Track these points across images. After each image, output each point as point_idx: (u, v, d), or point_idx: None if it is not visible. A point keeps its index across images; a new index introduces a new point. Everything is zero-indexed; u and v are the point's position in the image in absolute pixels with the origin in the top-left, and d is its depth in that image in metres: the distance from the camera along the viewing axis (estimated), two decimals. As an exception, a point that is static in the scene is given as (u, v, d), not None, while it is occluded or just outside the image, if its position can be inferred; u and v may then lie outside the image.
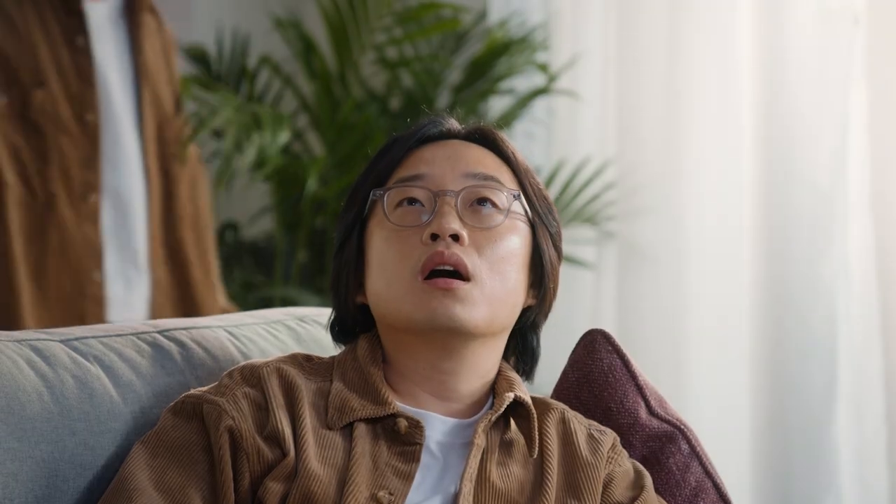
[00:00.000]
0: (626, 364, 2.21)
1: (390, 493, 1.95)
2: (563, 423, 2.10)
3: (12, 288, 3.20)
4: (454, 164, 2.07)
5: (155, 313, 3.40)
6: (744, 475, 3.63)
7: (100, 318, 3.28)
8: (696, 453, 2.18)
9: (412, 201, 2.01)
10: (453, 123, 2.15)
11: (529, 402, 2.07)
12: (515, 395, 2.04)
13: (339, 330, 2.14)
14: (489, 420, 2.03)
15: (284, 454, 1.95)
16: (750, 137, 3.81)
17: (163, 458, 1.99)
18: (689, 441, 2.18)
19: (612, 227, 3.80)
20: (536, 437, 2.07)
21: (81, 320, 3.18)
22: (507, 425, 2.06)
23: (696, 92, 3.90)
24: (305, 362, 2.11)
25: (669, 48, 3.96)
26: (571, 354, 2.27)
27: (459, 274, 1.98)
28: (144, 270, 3.38)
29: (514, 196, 2.06)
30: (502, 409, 2.03)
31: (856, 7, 3.83)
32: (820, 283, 3.71)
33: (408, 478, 1.98)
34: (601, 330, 2.25)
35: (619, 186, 3.84)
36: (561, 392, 2.24)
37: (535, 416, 2.07)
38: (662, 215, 3.81)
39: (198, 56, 4.11)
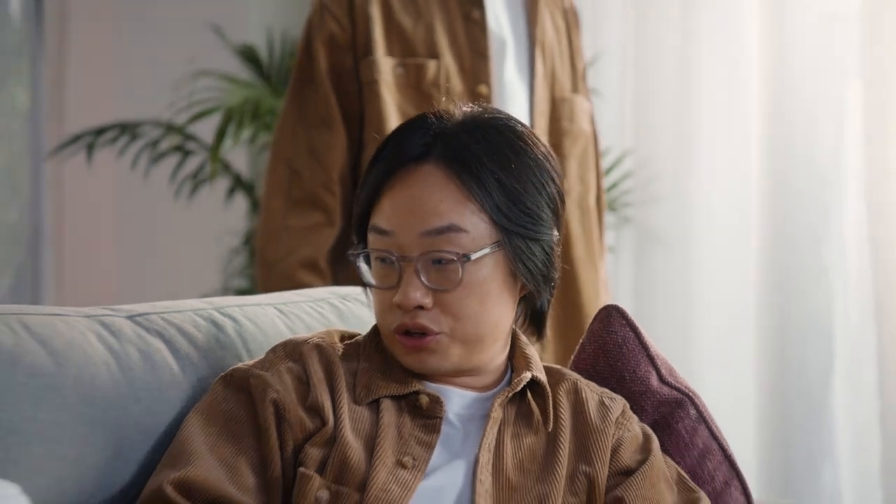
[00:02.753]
0: (638, 336, 2.22)
1: (414, 459, 1.97)
2: (576, 392, 2.10)
3: None
4: (413, 221, 2.00)
5: None
6: (748, 440, 3.60)
7: None
8: (703, 418, 2.19)
9: (385, 260, 1.99)
10: (439, 124, 2.05)
11: (545, 380, 2.07)
12: (532, 375, 2.06)
13: None
14: (506, 396, 2.04)
15: (324, 423, 1.98)
16: (756, 131, 3.79)
17: (215, 426, 2.02)
18: (696, 407, 2.19)
19: (630, 213, 3.76)
20: (551, 412, 2.07)
21: None
22: (524, 398, 2.07)
23: (706, 88, 3.88)
24: (339, 341, 2.11)
25: (682, 48, 3.93)
26: (588, 328, 2.28)
27: (426, 332, 1.99)
28: None
29: (465, 256, 2.00)
30: (519, 388, 2.05)
31: (851, 8, 3.83)
32: (819, 266, 3.69)
33: (429, 446, 2.00)
34: (616, 306, 2.25)
35: (636, 176, 3.82)
36: (578, 362, 2.25)
37: (549, 393, 2.08)
38: (675, 202, 3.79)
39: (250, 56, 4.07)
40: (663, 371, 2.22)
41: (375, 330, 2.10)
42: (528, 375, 2.03)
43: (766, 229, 3.77)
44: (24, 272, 4.82)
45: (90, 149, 3.96)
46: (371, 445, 1.99)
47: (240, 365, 2.04)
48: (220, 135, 3.85)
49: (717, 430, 2.20)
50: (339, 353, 2.08)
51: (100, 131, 3.94)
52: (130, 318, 2.10)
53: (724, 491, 2.17)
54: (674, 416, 2.18)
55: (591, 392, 2.10)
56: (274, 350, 2.07)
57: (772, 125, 3.81)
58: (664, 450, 2.09)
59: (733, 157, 3.80)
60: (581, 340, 2.29)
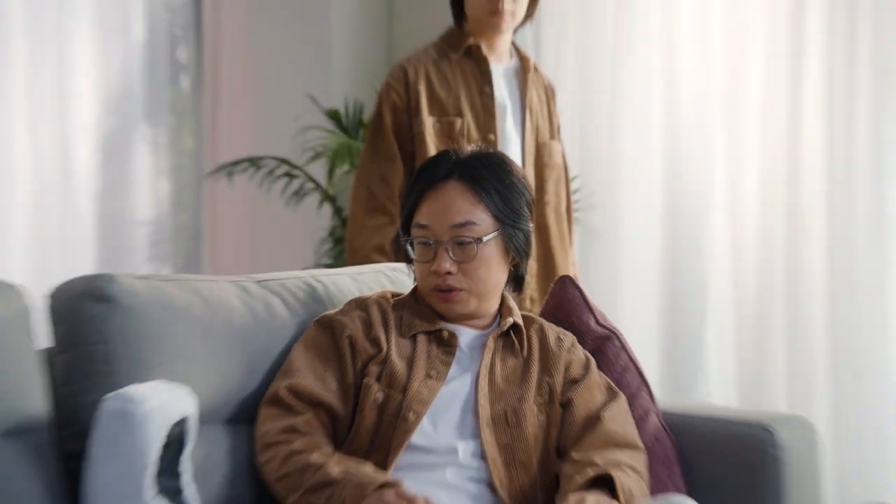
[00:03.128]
0: (582, 295, 2.33)
1: (437, 372, 2.02)
2: (541, 331, 2.15)
3: None
4: (444, 218, 2.05)
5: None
6: (651, 362, 3.45)
7: None
8: (623, 347, 2.30)
9: (425, 243, 2.05)
10: (457, 156, 2.10)
11: (521, 323, 2.13)
12: (514, 321, 2.11)
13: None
14: (496, 334, 2.10)
15: (380, 350, 2.03)
16: (659, 157, 3.62)
17: (311, 352, 2.06)
18: (619, 340, 2.29)
19: (578, 216, 3.48)
20: (525, 343, 2.13)
21: None
22: (508, 334, 2.12)
23: (627, 130, 3.67)
24: (392, 297, 2.15)
25: (611, 102, 3.71)
26: (550, 290, 2.39)
27: (453, 289, 2.04)
28: None
29: (479, 239, 2.04)
30: (505, 328, 2.10)
31: (715, 39, 3.57)
32: (698, 250, 3.56)
33: (448, 364, 2.05)
34: (568, 276, 2.40)
35: (581, 192, 3.62)
36: (545, 312, 2.34)
37: (524, 331, 2.13)
38: (605, 210, 3.65)
39: (335, 116, 3.94)
40: (598, 317, 2.31)
41: (414, 290, 2.14)
42: (510, 320, 2.10)
43: (665, 229, 3.61)
44: (191, 256, 4.63)
45: (230, 175, 3.93)
46: (410, 364, 2.03)
47: (327, 313, 2.11)
48: (331, 171, 3.85)
49: (632, 355, 2.29)
50: (391, 305, 2.11)
51: (236, 163, 3.92)
52: (257, 283, 2.18)
53: (637, 394, 2.23)
54: (605, 346, 2.27)
55: (551, 330, 2.15)
56: (349, 303, 2.13)
57: (669, 149, 3.62)
58: (598, 367, 2.15)
59: (643, 179, 3.63)
60: (545, 298, 2.38)
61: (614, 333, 2.30)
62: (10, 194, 4.10)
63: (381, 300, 2.12)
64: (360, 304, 2.11)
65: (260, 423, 2.00)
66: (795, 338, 3.35)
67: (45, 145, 4.20)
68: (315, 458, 1.89)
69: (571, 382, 2.10)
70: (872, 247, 3.24)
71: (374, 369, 2.02)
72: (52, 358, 1.96)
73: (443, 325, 2.07)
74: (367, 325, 2.06)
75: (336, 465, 1.87)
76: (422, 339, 2.06)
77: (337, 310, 2.13)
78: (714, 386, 3.41)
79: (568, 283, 2.35)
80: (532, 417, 2.03)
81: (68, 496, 1.84)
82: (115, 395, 1.80)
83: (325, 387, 2.01)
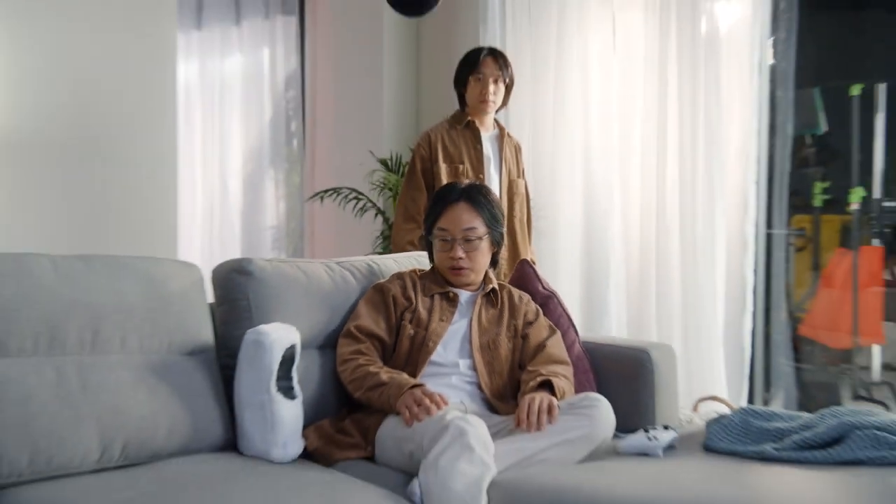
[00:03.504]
0: (534, 270, 2.33)
1: (446, 316, 1.99)
2: (510, 292, 2.12)
3: None
4: (457, 224, 2.00)
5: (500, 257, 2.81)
6: (575, 312, 3.34)
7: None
8: (560, 303, 2.28)
9: (444, 240, 2.01)
10: (462, 187, 2.05)
11: (497, 287, 2.09)
12: (493, 286, 2.08)
13: (431, 257, 2.13)
14: (482, 294, 2.06)
15: (411, 304, 2.00)
16: (580, 187, 3.48)
17: (369, 305, 2.01)
18: (557, 298, 2.28)
19: (535, 222, 3.19)
20: (499, 300, 2.08)
21: None
22: (489, 294, 2.07)
23: (560, 169, 3.50)
24: (418, 272, 2.10)
25: (553, 150, 3.52)
26: (514, 268, 2.37)
27: (462, 268, 2.00)
28: None
29: (479, 238, 2.00)
30: (487, 291, 2.07)
31: (613, 110, 3.38)
32: (604, 246, 3.42)
33: (452, 313, 2.01)
34: (525, 259, 2.39)
35: (535, 206, 3.25)
36: (512, 280, 2.34)
37: (499, 292, 2.09)
38: (549, 219, 3.51)
39: (384, 163, 3.79)
40: (543, 283, 2.30)
41: (433, 268, 2.10)
42: (490, 286, 2.08)
43: (583, 230, 3.51)
44: (297, 248, 4.47)
45: (322, 199, 3.79)
46: (430, 312, 1.99)
47: (378, 281, 2.09)
48: (394, 199, 3.63)
49: (565, 306, 2.29)
50: (418, 277, 2.07)
51: (325, 192, 3.78)
52: (337, 263, 2.16)
53: (567, 331, 2.22)
54: (548, 301, 2.25)
55: (515, 292, 2.13)
56: (392, 276, 2.10)
57: (585, 187, 3.49)
58: (543, 314, 2.14)
59: (570, 201, 3.50)
60: (511, 276, 2.37)
61: (554, 294, 2.27)
62: (193, 210, 4.49)
63: (411, 274, 2.07)
64: (399, 276, 2.06)
65: (339, 347, 1.96)
66: (662, 295, 3.30)
67: (213, 180, 4.55)
68: (372, 369, 1.85)
69: (528, 324, 2.07)
70: (707, 240, 3.19)
71: (407, 315, 1.97)
72: (214, 308, 1.96)
73: (449, 288, 2.03)
74: (403, 289, 2.01)
75: (385, 374, 1.83)
76: (437, 297, 2.01)
77: (385, 280, 2.07)
78: (613, 325, 3.36)
79: (525, 264, 2.34)
80: (505, 345, 2.00)
81: (225, 391, 1.84)
82: (252, 331, 1.80)
83: (378, 326, 1.95)
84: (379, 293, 2.01)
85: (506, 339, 2.01)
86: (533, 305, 2.13)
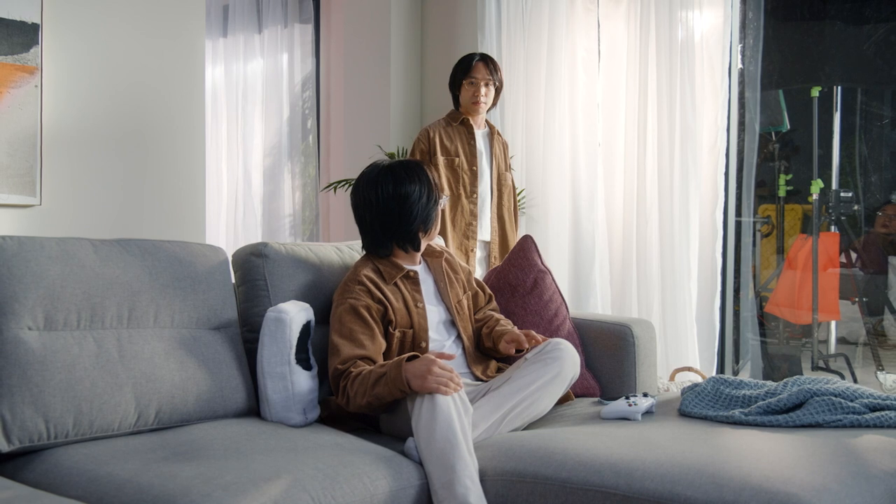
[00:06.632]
0: (534, 245, 2.30)
1: (416, 298, 1.90)
2: (449, 259, 2.03)
3: (445, 230, 2.80)
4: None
5: (491, 241, 2.96)
6: (565, 286, 3.31)
7: (473, 239, 2.89)
8: (553, 280, 2.27)
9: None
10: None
11: (440, 252, 2.01)
12: (445, 255, 2.01)
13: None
14: (433, 265, 1.99)
15: (385, 301, 1.85)
16: (568, 178, 3.39)
17: (357, 325, 1.83)
18: (549, 274, 2.27)
19: (524, 210, 3.36)
20: (445, 264, 1.98)
21: (465, 237, 2.87)
22: (445, 262, 2.00)
23: (554, 155, 3.38)
24: (362, 270, 1.89)
25: (544, 144, 3.41)
26: (517, 241, 2.33)
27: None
28: (487, 224, 2.94)
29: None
30: (441, 259, 2.00)
31: (600, 107, 3.30)
32: (591, 231, 3.34)
33: (419, 291, 1.91)
34: (528, 235, 2.33)
35: (526, 195, 3.41)
36: (514, 251, 2.25)
37: (440, 259, 2.00)
38: (539, 207, 3.42)
39: (391, 155, 3.52)
40: (542, 257, 2.30)
41: (373, 255, 1.92)
42: (442, 256, 2.00)
43: (572, 217, 3.40)
44: (312, 233, 4.36)
45: (335, 189, 3.61)
46: (404, 304, 1.87)
47: (347, 299, 1.88)
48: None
49: (557, 284, 2.29)
50: (372, 272, 1.89)
51: (337, 182, 3.59)
52: (347, 245, 2.15)
53: (559, 308, 2.21)
54: (545, 277, 2.24)
55: (455, 259, 2.05)
56: (350, 285, 1.89)
57: (573, 179, 3.40)
58: (538, 292, 2.10)
59: (560, 190, 3.39)
60: (514, 247, 2.32)
61: (547, 269, 2.27)
62: (219, 199, 4.49)
63: (363, 275, 1.87)
64: (356, 282, 1.86)
65: (341, 374, 1.76)
66: (642, 275, 3.25)
67: (237, 173, 4.49)
68: (364, 371, 1.73)
69: (468, 274, 2.08)
70: (682, 227, 3.13)
71: (388, 317, 1.85)
72: (236, 288, 1.94)
73: (407, 268, 1.92)
74: (370, 294, 1.85)
75: (378, 367, 1.72)
76: (399, 281, 1.90)
77: (349, 294, 1.83)
78: (598, 303, 3.31)
79: (528, 239, 2.32)
80: (465, 303, 2.00)
81: (249, 363, 1.84)
82: (273, 309, 1.80)
83: (373, 346, 1.80)
84: (357, 314, 1.81)
85: (464, 299, 2.00)
86: (468, 269, 2.08)
